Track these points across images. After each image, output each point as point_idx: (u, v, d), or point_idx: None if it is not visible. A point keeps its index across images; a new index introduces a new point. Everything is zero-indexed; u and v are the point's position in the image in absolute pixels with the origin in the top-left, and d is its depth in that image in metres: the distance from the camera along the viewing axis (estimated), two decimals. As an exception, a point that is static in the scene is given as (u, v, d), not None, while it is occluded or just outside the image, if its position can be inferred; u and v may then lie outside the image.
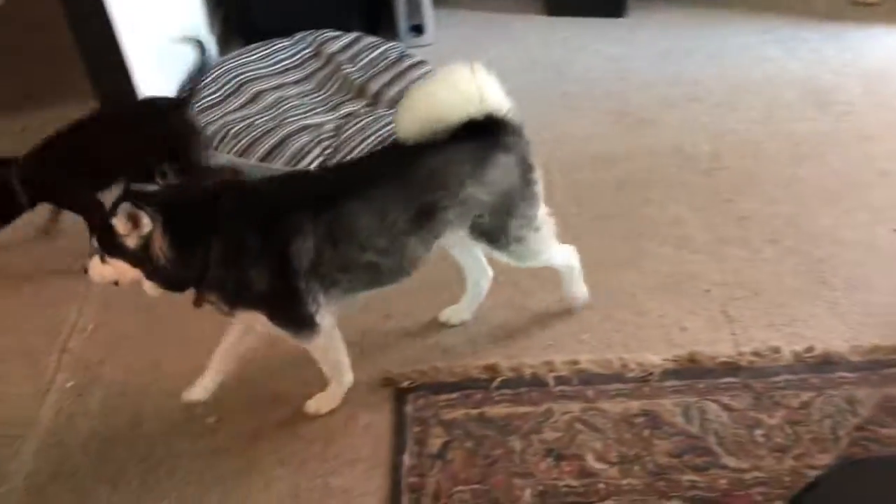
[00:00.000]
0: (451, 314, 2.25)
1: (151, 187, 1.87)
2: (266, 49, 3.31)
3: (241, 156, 2.77)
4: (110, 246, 1.75)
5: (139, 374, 1.98)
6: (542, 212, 2.00)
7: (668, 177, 2.71)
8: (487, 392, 2.03)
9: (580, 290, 2.23)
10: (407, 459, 1.89)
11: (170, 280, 1.78)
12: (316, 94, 3.14)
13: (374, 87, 3.10)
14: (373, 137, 2.81)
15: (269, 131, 2.85)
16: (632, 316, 2.22)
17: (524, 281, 2.33)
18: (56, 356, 2.25)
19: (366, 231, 1.81)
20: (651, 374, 2.04)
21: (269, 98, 3.06)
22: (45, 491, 1.93)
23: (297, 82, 3.18)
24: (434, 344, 2.18)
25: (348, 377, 2.04)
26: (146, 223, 1.70)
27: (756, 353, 2.06)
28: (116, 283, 1.82)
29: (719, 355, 2.06)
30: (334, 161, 2.70)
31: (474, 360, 2.12)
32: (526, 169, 1.92)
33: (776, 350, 2.07)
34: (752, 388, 1.98)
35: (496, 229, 1.93)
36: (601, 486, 1.81)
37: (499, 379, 2.05)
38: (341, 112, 2.99)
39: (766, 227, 2.48)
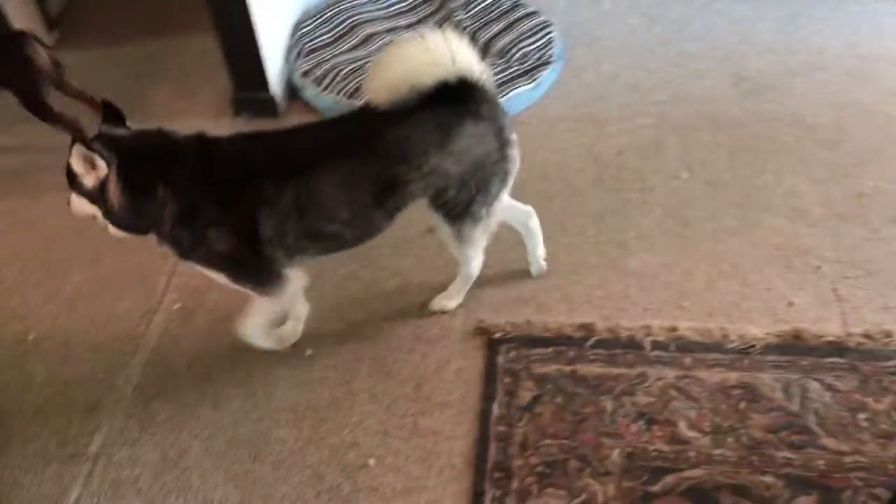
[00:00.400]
0: (533, 264, 2.23)
1: (122, 131, 1.80)
2: (379, -8, 3.31)
3: (349, 97, 2.80)
4: (73, 183, 1.75)
5: (243, 303, 2.03)
6: (503, 198, 1.92)
7: (787, 146, 2.59)
8: (581, 350, 2.01)
9: (452, 300, 2.15)
10: (496, 409, 1.90)
11: (123, 224, 1.79)
12: (427, 40, 3.13)
13: (485, 35, 3.06)
14: (482, 86, 2.79)
15: (379, 74, 2.86)
16: (737, 286, 2.15)
17: (630, 241, 2.29)
18: (166, 278, 2.34)
19: (332, 203, 1.78)
20: (752, 346, 1.98)
21: (381, 41, 3.06)
22: (151, 405, 2.03)
23: (408, 26, 3.17)
24: (530, 298, 2.17)
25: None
26: (101, 166, 1.69)
27: (866, 335, 1.98)
28: (95, 218, 1.82)
29: (826, 334, 1.99)
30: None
31: (570, 317, 2.10)
32: (504, 142, 1.83)
33: (888, 334, 1.97)
34: (859, 371, 1.90)
35: (458, 203, 1.85)
36: (692, 454, 1.78)
37: (594, 338, 2.04)
38: (451, 59, 2.97)
39: (887, 206, 2.35)
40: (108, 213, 1.76)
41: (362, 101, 1.81)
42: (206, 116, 2.97)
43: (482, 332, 2.09)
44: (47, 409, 2.04)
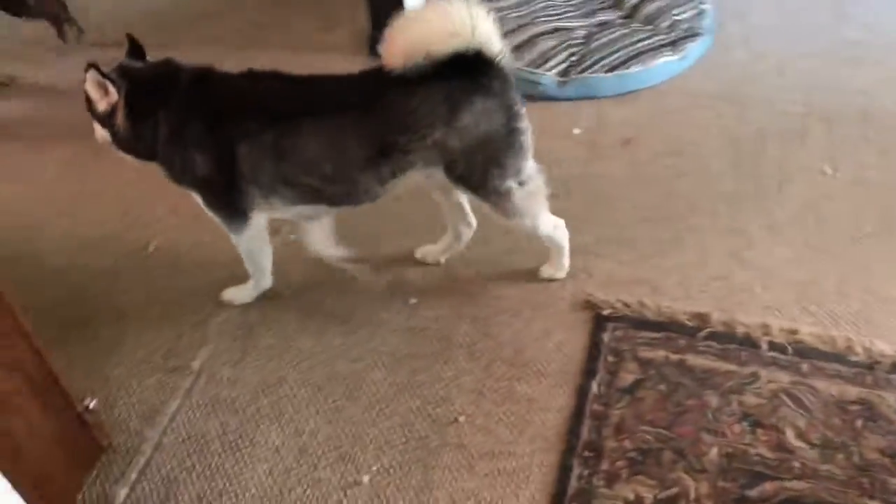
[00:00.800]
0: (426, 253, 2.19)
1: (138, 63, 1.89)
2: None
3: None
4: (89, 108, 1.86)
5: (358, 246, 2.05)
6: (532, 166, 1.85)
7: (951, 152, 2.39)
8: (692, 340, 1.93)
9: (558, 270, 2.09)
10: (595, 386, 1.85)
11: (128, 148, 1.89)
12: (571, -3, 3.02)
13: (634, -1, 2.94)
14: (622, 52, 2.69)
15: (518, 28, 2.79)
16: (869, 296, 2.01)
17: (759, 232, 2.17)
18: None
19: (313, 156, 1.79)
20: (878, 362, 1.85)
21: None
22: (255, 330, 2.07)
23: (556, -20, 3.07)
24: (645, 278, 2.09)
25: (265, 281, 2.10)
26: (112, 92, 1.80)
27: None
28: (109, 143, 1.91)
29: (965, 362, 1.83)
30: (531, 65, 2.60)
31: (685, 304, 2.01)
32: (512, 117, 1.77)
33: None
34: None
35: (472, 176, 1.82)
36: (796, 465, 1.69)
37: (707, 330, 1.94)
38: (595, 20, 2.87)
39: None
40: (115, 137, 1.87)
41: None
42: (342, 52, 2.98)
43: (591, 306, 2.03)
44: (160, 319, 2.12)
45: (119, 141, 1.88)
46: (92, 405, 1.77)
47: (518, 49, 2.71)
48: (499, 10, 2.90)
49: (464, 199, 2.04)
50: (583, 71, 2.63)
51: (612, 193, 2.35)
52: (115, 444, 1.83)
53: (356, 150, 1.78)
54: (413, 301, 2.09)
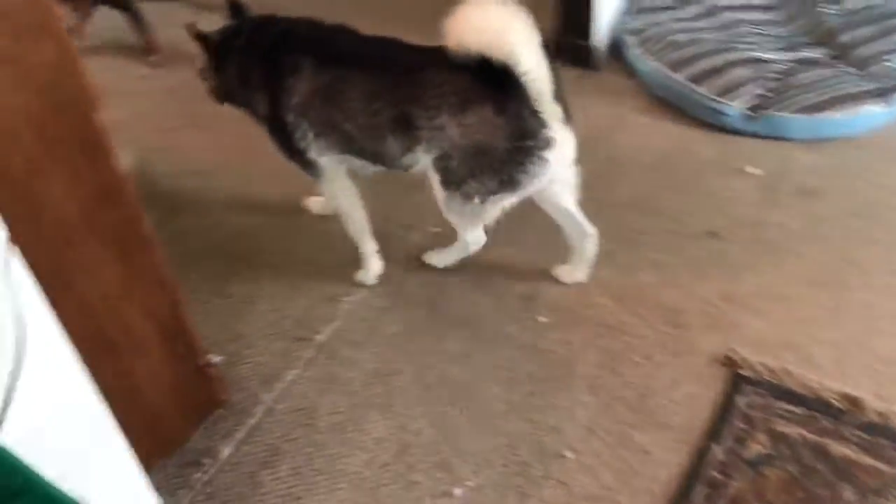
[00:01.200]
0: (561, 272, 2.12)
1: (233, 22, 2.04)
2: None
3: (673, 69, 2.60)
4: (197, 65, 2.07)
5: (503, 246, 2.01)
6: (512, 201, 1.85)
7: None
8: (838, 424, 1.74)
9: (445, 259, 2.15)
10: (718, 451, 1.71)
11: (216, 95, 2.07)
12: (778, 27, 2.81)
13: (848, 37, 2.69)
14: (822, 94, 2.47)
15: (711, 52, 2.62)
16: None
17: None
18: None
19: (350, 104, 1.85)
20: None
21: (726, 16, 2.81)
22: (382, 317, 2.08)
23: (763, 8, 2.87)
24: (798, 343, 1.92)
25: (369, 247, 2.15)
26: (202, 49, 2.01)
27: None
28: None
29: None
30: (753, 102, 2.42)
31: (837, 383, 1.82)
32: (518, 148, 1.74)
33: None
34: None
35: (456, 175, 1.83)
36: None
37: (859, 416, 1.75)
38: (798, 55, 2.65)
39: None
40: (210, 89, 2.08)
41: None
42: (522, 50, 2.93)
43: (730, 363, 1.88)
44: (295, 287, 2.17)
45: (212, 92, 2.07)
46: (216, 360, 1.83)
47: (708, 74, 2.56)
48: (698, 29, 2.75)
49: (571, 204, 1.99)
50: (774, 108, 2.44)
51: (780, 245, 2.17)
52: (230, 400, 1.89)
53: (384, 111, 1.83)
54: (543, 319, 2.02)
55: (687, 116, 2.58)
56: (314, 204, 2.39)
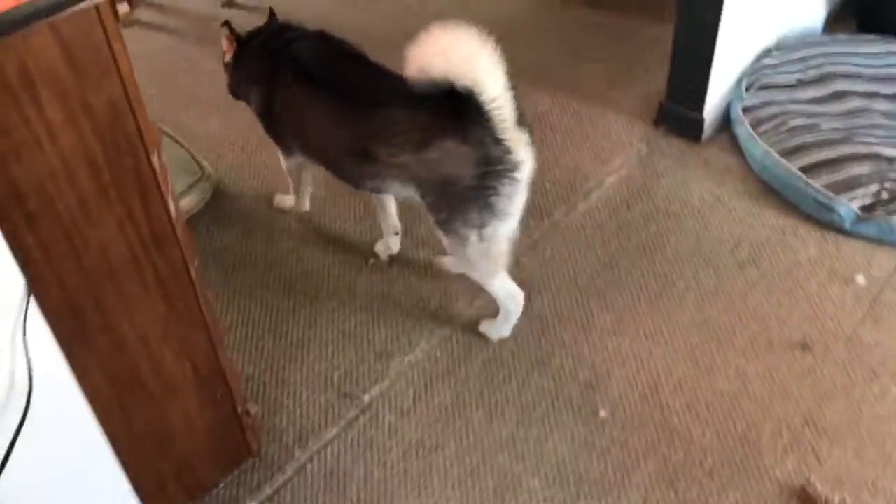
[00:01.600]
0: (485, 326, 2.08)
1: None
2: (879, 46, 2.79)
3: (785, 155, 2.41)
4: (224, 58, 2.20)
5: (567, 336, 1.87)
6: (505, 229, 1.81)
7: None
8: None
9: (494, 331, 2.04)
10: None
11: (230, 88, 2.20)
12: (907, 122, 2.58)
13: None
14: (950, 204, 2.23)
15: (829, 142, 2.42)
16: None
17: None
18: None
19: (315, 124, 1.94)
20: None
21: (851, 104, 2.59)
22: (433, 384, 1.97)
23: (892, 97, 2.64)
24: (886, 490, 1.71)
25: (303, 204, 2.44)
26: (229, 47, 2.14)
27: None
28: None
29: None
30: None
31: (925, 541, 1.62)
32: (486, 174, 1.70)
33: None
34: None
35: (439, 210, 1.81)
36: None
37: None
38: (928, 156, 2.42)
39: None
40: (228, 84, 2.20)
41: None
42: (625, 112, 2.80)
43: (805, 497, 1.69)
44: (348, 337, 2.09)
45: (228, 86, 2.20)
46: (253, 411, 1.76)
47: (822, 166, 2.36)
48: (818, 115, 2.55)
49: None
50: (891, 211, 2.23)
51: (878, 369, 1.96)
52: (263, 451, 1.82)
53: (344, 140, 1.88)
54: (603, 414, 1.88)
55: (792, 208, 2.39)
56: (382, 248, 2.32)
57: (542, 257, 2.29)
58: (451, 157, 1.71)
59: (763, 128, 2.51)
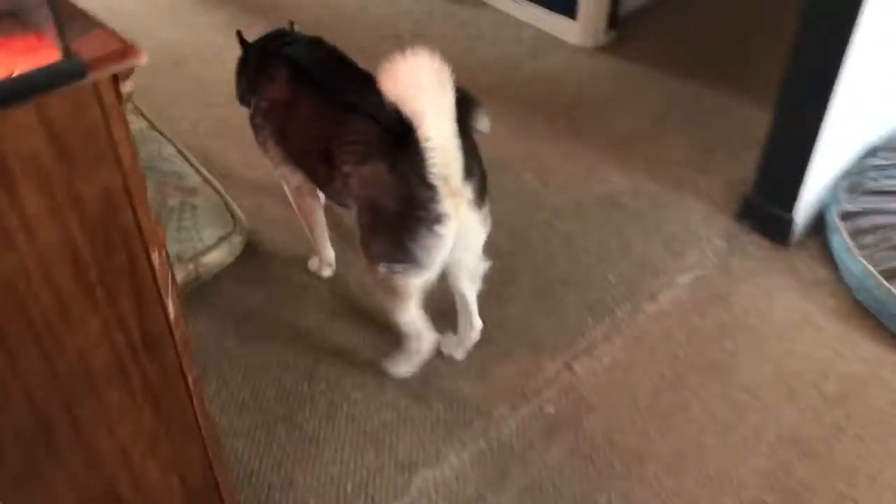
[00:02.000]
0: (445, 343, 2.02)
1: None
2: None
3: (886, 276, 2.10)
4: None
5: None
6: (418, 277, 1.71)
7: None
8: None
9: (396, 367, 1.96)
10: None
11: (237, 95, 2.11)
12: None
13: None
14: None
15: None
16: None
17: None
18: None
19: (294, 129, 1.90)
20: None
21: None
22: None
23: None
24: None
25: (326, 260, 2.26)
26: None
27: None
28: None
29: None
30: None
31: None
32: (408, 214, 1.60)
33: None
34: None
35: (360, 225, 1.75)
36: None
37: None
38: None
39: None
40: (237, 93, 2.12)
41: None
42: (707, 199, 2.53)
43: None
44: (373, 438, 1.85)
45: (237, 94, 2.11)
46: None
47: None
48: (891, 227, 2.25)
49: (469, 292, 1.92)
50: None
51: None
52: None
53: (314, 139, 1.82)
54: None
55: (891, 337, 2.09)
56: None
57: (599, 364, 2.02)
58: (379, 181, 1.65)
59: (864, 240, 2.22)
